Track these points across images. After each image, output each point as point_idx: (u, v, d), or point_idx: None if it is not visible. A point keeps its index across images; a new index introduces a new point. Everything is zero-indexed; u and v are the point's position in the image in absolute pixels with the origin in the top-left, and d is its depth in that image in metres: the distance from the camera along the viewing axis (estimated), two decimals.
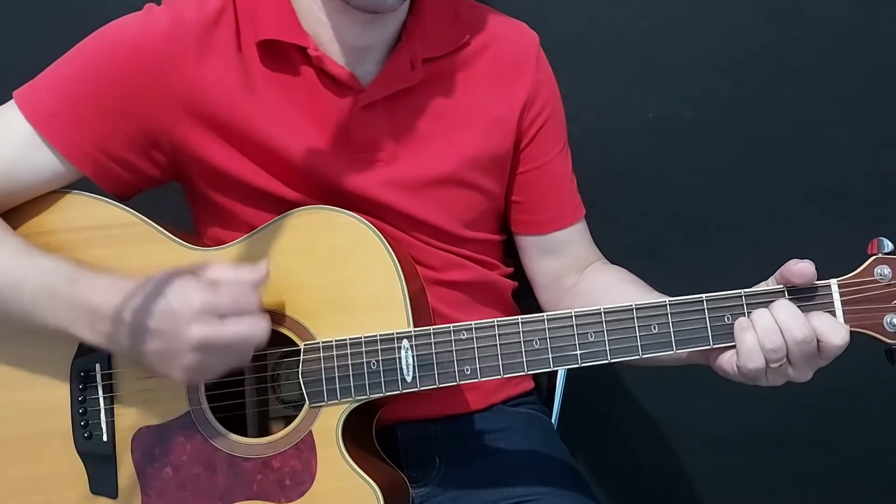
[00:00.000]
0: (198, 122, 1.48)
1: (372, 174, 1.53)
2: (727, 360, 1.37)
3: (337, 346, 1.42)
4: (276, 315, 1.44)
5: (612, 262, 1.74)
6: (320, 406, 1.42)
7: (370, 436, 1.51)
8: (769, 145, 2.13)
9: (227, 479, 1.42)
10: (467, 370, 1.40)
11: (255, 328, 1.32)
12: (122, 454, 1.45)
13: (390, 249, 1.43)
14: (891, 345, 1.36)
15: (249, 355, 1.34)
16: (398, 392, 1.41)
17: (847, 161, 2.14)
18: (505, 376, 1.40)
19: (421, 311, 1.45)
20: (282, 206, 1.50)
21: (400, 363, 1.40)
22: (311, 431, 1.42)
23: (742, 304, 1.36)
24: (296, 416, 1.44)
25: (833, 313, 1.35)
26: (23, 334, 1.44)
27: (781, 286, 1.36)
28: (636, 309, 1.37)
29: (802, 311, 1.32)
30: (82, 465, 1.46)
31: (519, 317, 1.39)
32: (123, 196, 1.55)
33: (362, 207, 1.51)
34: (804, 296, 1.35)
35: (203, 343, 1.29)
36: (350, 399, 1.41)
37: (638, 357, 1.38)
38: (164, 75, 1.46)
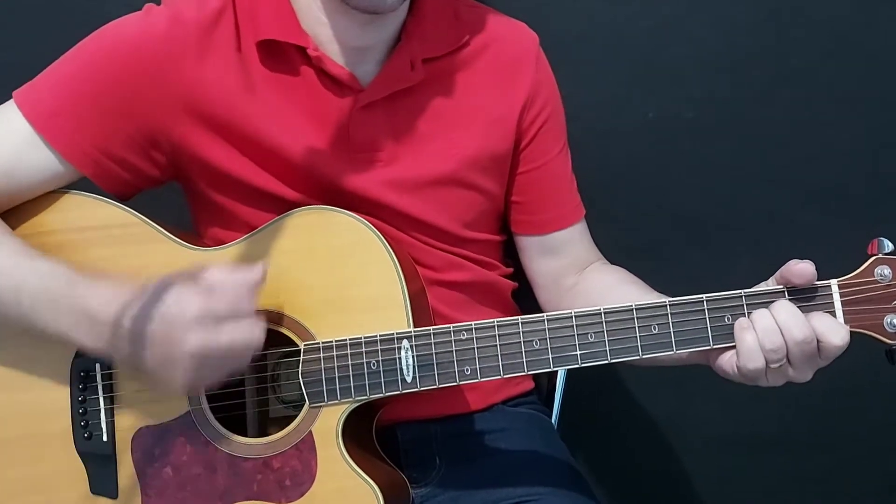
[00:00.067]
0: (197, 122, 1.49)
1: (372, 174, 1.53)
2: (727, 361, 1.37)
3: (337, 346, 1.42)
4: (276, 315, 1.44)
5: (612, 262, 1.74)
6: (320, 406, 1.42)
7: (370, 436, 1.51)
8: (769, 145, 2.13)
9: (227, 479, 1.42)
10: (467, 370, 1.40)
11: (252, 332, 1.31)
12: (122, 454, 1.46)
13: (390, 249, 1.43)
14: (891, 345, 1.36)
15: (248, 359, 1.34)
16: (398, 392, 1.41)
17: (847, 161, 2.14)
18: (505, 376, 1.40)
19: (421, 312, 1.45)
20: (281, 206, 1.50)
21: (400, 363, 1.40)
22: (311, 431, 1.42)
23: (742, 305, 1.36)
24: (296, 417, 1.44)
25: (833, 314, 1.35)
26: (22, 335, 1.43)
27: (781, 286, 1.36)
28: (636, 309, 1.37)
29: (802, 312, 1.32)
30: (82, 465, 1.46)
31: (519, 317, 1.39)
32: (123, 196, 1.55)
33: (362, 207, 1.51)
34: (804, 296, 1.35)
35: (201, 349, 1.29)
36: (350, 399, 1.41)
37: (638, 357, 1.38)
38: (163, 75, 1.46)
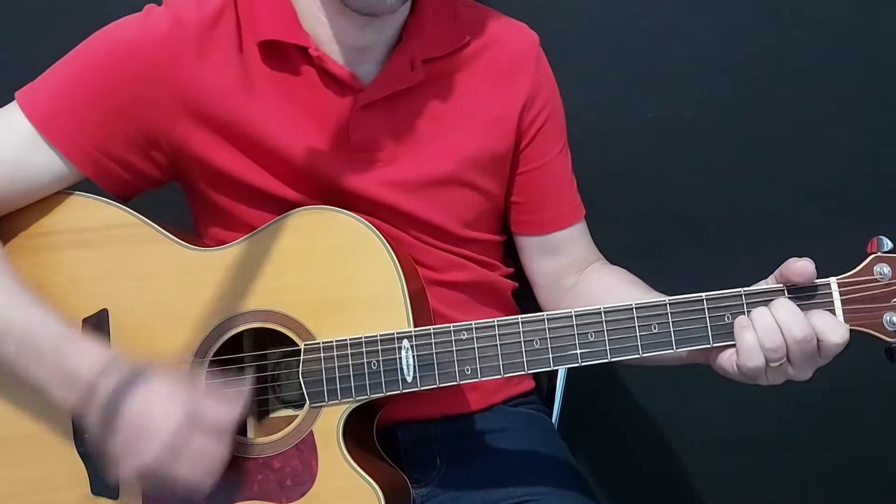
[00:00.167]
0: (198, 123, 1.49)
1: (371, 174, 1.53)
2: (727, 359, 1.37)
3: (337, 346, 1.42)
4: (277, 315, 1.44)
5: (612, 262, 1.74)
6: (321, 406, 1.42)
7: (371, 436, 1.51)
8: (769, 145, 2.13)
9: (227, 478, 1.41)
10: (468, 370, 1.40)
11: (202, 481, 1.33)
12: None
13: (390, 249, 1.43)
14: (891, 343, 1.36)
15: (187, 494, 1.34)
16: (399, 392, 1.41)
17: (847, 161, 2.14)
18: (505, 376, 1.40)
19: (421, 311, 1.45)
20: (282, 207, 1.50)
21: (400, 363, 1.40)
22: (311, 431, 1.42)
23: (742, 303, 1.36)
24: (296, 416, 1.43)
25: (833, 312, 1.35)
26: None
27: (781, 285, 1.36)
28: (636, 308, 1.38)
29: (802, 310, 1.32)
30: (83, 465, 1.45)
31: (519, 316, 1.39)
32: (124, 196, 1.55)
33: (362, 207, 1.51)
34: (804, 294, 1.35)
35: (151, 467, 1.31)
36: (350, 399, 1.41)
37: (638, 356, 1.38)
38: (163, 76, 1.47)
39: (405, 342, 1.40)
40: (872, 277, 1.35)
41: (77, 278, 1.49)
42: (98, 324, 1.46)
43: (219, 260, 1.47)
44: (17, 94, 1.49)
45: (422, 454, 1.61)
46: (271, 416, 1.53)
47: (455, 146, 1.57)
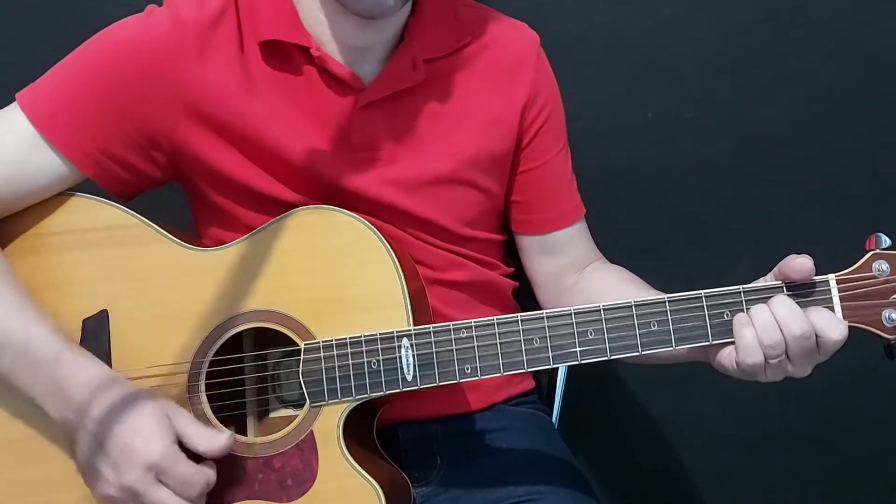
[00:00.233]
0: (198, 123, 1.49)
1: (372, 173, 1.53)
2: (726, 357, 1.37)
3: (337, 345, 1.42)
4: (277, 315, 1.44)
5: (612, 262, 1.74)
6: (321, 405, 1.42)
7: (371, 435, 1.52)
8: (769, 145, 2.13)
9: (228, 478, 1.42)
10: (467, 368, 1.40)
11: None
12: None
13: (390, 249, 1.43)
14: (889, 340, 1.36)
15: None
16: (399, 391, 1.40)
17: (847, 161, 2.14)
18: (505, 374, 1.40)
19: (421, 311, 1.45)
20: (282, 208, 1.50)
21: (400, 362, 1.40)
22: (311, 431, 1.42)
23: (741, 301, 1.36)
24: (296, 416, 1.43)
25: (831, 309, 1.35)
26: None
27: (780, 282, 1.36)
28: (635, 306, 1.38)
29: (801, 307, 1.33)
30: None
31: (519, 315, 1.39)
32: (125, 197, 1.55)
33: (362, 207, 1.51)
34: (803, 291, 1.35)
35: (130, 489, 1.32)
36: (350, 398, 1.41)
37: (637, 354, 1.38)
38: (164, 76, 1.47)
39: (405, 341, 1.40)
40: (871, 274, 1.35)
41: (77, 279, 1.49)
42: (98, 324, 1.46)
43: (219, 260, 1.47)
44: (17, 95, 1.49)
45: (422, 453, 1.61)
46: (271, 416, 1.53)
47: (455, 146, 1.58)
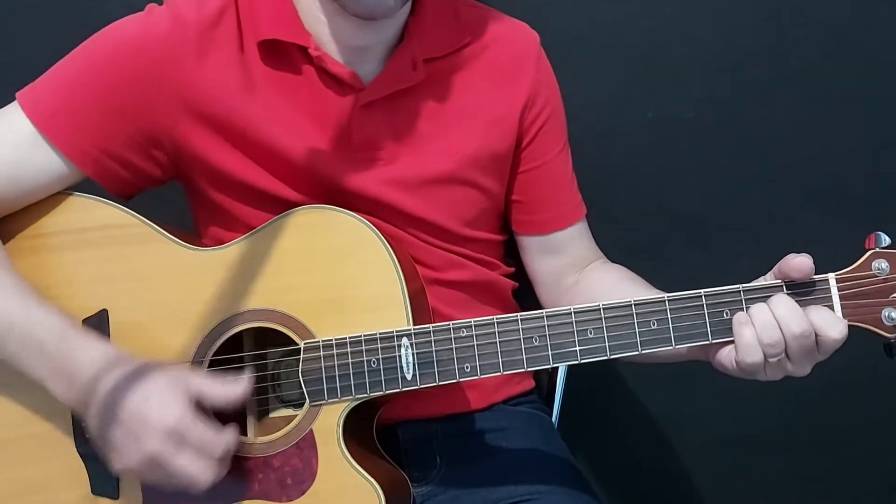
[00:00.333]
0: (198, 122, 1.49)
1: (372, 173, 1.53)
2: (726, 356, 1.37)
3: (337, 344, 1.42)
4: (277, 314, 1.44)
5: (613, 262, 1.74)
6: (321, 405, 1.42)
7: (371, 434, 1.52)
8: (769, 145, 2.13)
9: (227, 478, 1.41)
10: (467, 367, 1.40)
11: (203, 473, 1.32)
12: None
13: (390, 249, 1.43)
14: (889, 339, 1.36)
15: (187, 487, 1.34)
16: (398, 390, 1.40)
17: (847, 161, 2.14)
18: (505, 373, 1.40)
19: (421, 311, 1.45)
20: (282, 206, 1.50)
21: (400, 361, 1.40)
22: (311, 430, 1.42)
23: (740, 300, 1.36)
24: (296, 415, 1.43)
25: (831, 308, 1.35)
26: None
27: (779, 281, 1.36)
28: (635, 305, 1.38)
29: (801, 306, 1.33)
30: (83, 465, 1.45)
31: (518, 314, 1.39)
32: (125, 196, 1.55)
33: (362, 206, 1.51)
34: (802, 290, 1.35)
35: (153, 458, 1.31)
36: (350, 397, 1.41)
37: (637, 353, 1.38)
38: (164, 75, 1.47)
39: (405, 340, 1.40)
40: (871, 273, 1.35)
41: (77, 279, 1.49)
42: (98, 324, 1.46)
43: (218, 260, 1.47)
44: (18, 94, 1.49)
45: (422, 453, 1.61)
46: (271, 415, 1.53)
47: (455, 145, 1.58)
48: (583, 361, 1.38)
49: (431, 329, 1.40)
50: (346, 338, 1.41)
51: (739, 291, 1.36)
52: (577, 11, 2.06)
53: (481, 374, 1.40)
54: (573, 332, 1.38)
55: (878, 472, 2.34)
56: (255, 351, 1.51)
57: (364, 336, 1.41)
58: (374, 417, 1.52)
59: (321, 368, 1.42)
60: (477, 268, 1.65)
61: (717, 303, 1.36)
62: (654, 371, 1.68)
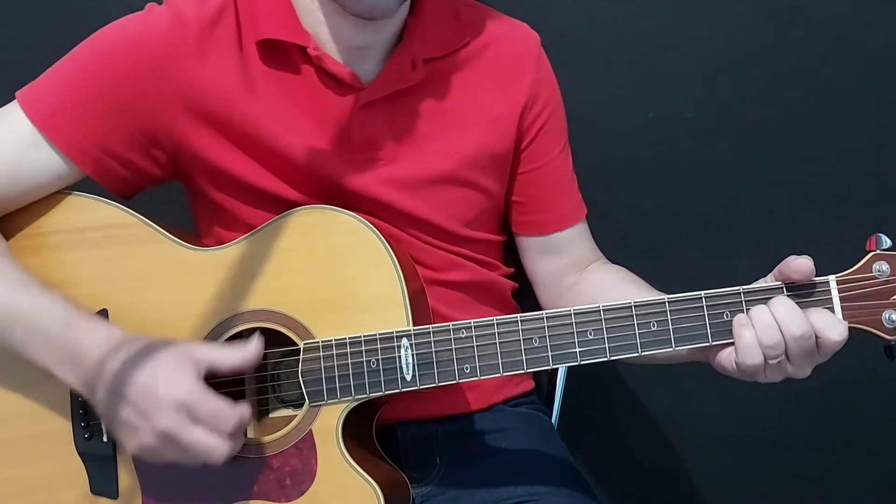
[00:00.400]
0: (198, 121, 1.49)
1: (372, 173, 1.53)
2: (726, 357, 1.37)
3: (336, 345, 1.42)
4: (276, 315, 1.44)
5: (613, 262, 1.73)
6: (320, 405, 1.42)
7: (370, 435, 1.51)
8: (769, 145, 2.13)
9: (226, 478, 1.42)
10: (467, 368, 1.40)
11: (215, 449, 1.31)
12: (122, 454, 1.45)
13: (390, 249, 1.43)
14: (889, 341, 1.36)
15: (199, 463, 1.33)
16: (398, 391, 1.40)
17: (847, 161, 2.14)
18: (504, 374, 1.40)
19: (421, 312, 1.45)
20: (282, 206, 1.50)
21: (399, 362, 1.40)
22: (311, 430, 1.42)
23: (741, 301, 1.36)
24: (296, 416, 1.43)
25: (832, 310, 1.35)
26: None
27: (780, 283, 1.36)
28: (635, 306, 1.38)
29: (801, 308, 1.33)
30: (83, 465, 1.46)
31: (518, 315, 1.39)
32: (125, 195, 1.55)
33: (362, 206, 1.51)
34: (803, 292, 1.35)
35: (166, 434, 1.30)
36: (350, 398, 1.41)
37: (637, 354, 1.38)
38: (164, 74, 1.47)
39: (404, 341, 1.40)
40: (871, 275, 1.35)
41: (76, 278, 1.49)
42: None
43: (218, 260, 1.47)
44: (17, 93, 1.49)
45: (422, 454, 1.61)
46: (271, 415, 1.53)
47: (455, 145, 1.58)
48: (583, 363, 1.38)
49: (431, 330, 1.40)
50: (345, 338, 1.41)
51: (739, 293, 1.36)
52: (577, 11, 2.06)
53: (481, 375, 1.40)
54: (573, 333, 1.38)
55: (878, 472, 2.35)
56: None
57: (364, 337, 1.41)
58: (373, 418, 1.52)
59: (321, 369, 1.42)
60: (477, 268, 1.65)
61: (718, 304, 1.36)
62: (653, 371, 1.68)
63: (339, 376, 1.41)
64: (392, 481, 1.46)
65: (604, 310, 1.38)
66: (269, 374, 1.52)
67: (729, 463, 2.34)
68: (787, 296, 1.35)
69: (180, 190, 1.63)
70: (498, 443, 1.64)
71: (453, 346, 1.40)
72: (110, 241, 1.49)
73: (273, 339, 1.46)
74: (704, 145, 2.12)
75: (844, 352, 1.33)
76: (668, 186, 2.15)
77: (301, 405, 1.43)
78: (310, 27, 1.51)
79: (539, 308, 1.71)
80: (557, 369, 1.83)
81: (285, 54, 1.51)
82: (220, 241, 1.52)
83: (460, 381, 1.40)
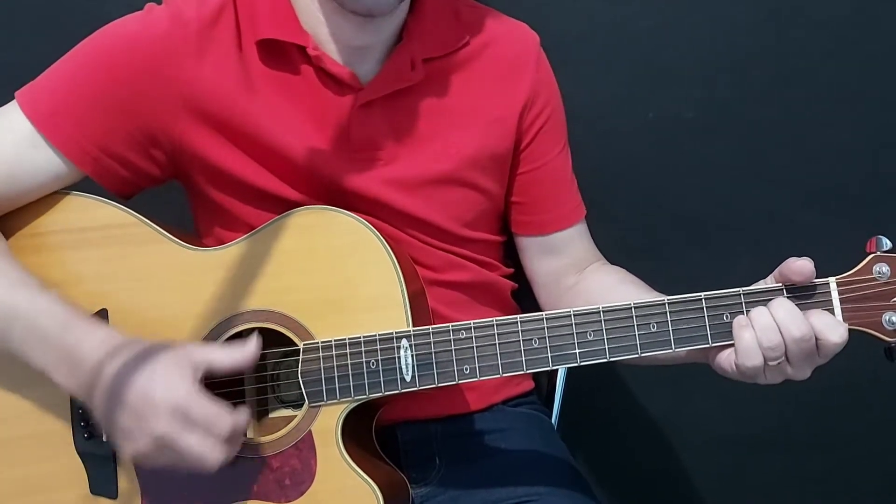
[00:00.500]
0: (197, 121, 1.49)
1: (372, 173, 1.53)
2: (726, 359, 1.37)
3: (336, 345, 1.42)
4: (276, 315, 1.44)
5: (612, 262, 1.73)
6: (320, 406, 1.42)
7: (370, 435, 1.51)
8: (769, 145, 2.13)
9: (226, 478, 1.42)
10: (466, 369, 1.40)
11: (209, 455, 1.30)
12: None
13: (389, 250, 1.43)
14: (890, 343, 1.36)
15: (195, 469, 1.32)
16: (397, 391, 1.40)
17: (847, 161, 2.14)
18: (504, 375, 1.40)
19: (420, 312, 1.45)
20: (282, 206, 1.50)
21: (399, 363, 1.40)
22: (310, 431, 1.42)
23: (741, 303, 1.36)
24: (295, 416, 1.43)
25: (832, 311, 1.35)
26: None
27: (780, 284, 1.36)
28: (635, 308, 1.38)
29: (801, 310, 1.33)
30: (82, 465, 1.46)
31: (518, 316, 1.39)
32: (124, 195, 1.55)
33: (362, 206, 1.51)
34: (803, 294, 1.35)
35: (160, 439, 1.30)
36: (349, 399, 1.41)
37: (637, 356, 1.38)
38: (163, 73, 1.47)
39: (404, 342, 1.40)
40: (871, 277, 1.35)
41: (76, 278, 1.49)
42: None
43: (218, 260, 1.47)
44: (17, 93, 1.49)
45: (421, 454, 1.61)
46: (271, 416, 1.54)
47: (455, 145, 1.57)
48: (582, 364, 1.38)
49: (431, 331, 1.40)
50: (345, 339, 1.41)
51: (739, 294, 1.36)
52: (577, 11, 2.06)
53: (480, 376, 1.40)
54: (573, 334, 1.38)
55: (878, 472, 2.35)
56: None
57: (363, 337, 1.41)
58: (373, 418, 1.52)
59: (320, 369, 1.42)
60: (476, 269, 1.64)
61: (717, 306, 1.36)
62: (653, 372, 1.68)
63: (338, 377, 1.41)
64: (391, 482, 1.46)
65: (603, 311, 1.38)
66: (268, 375, 1.52)
67: (729, 463, 2.34)
68: (787, 297, 1.35)
69: (180, 190, 1.63)
70: (498, 443, 1.64)
71: (453, 347, 1.40)
72: (110, 241, 1.49)
73: (273, 339, 1.46)
74: (704, 145, 2.12)
75: (844, 353, 1.33)
76: (668, 186, 2.15)
77: (301, 405, 1.43)
78: (309, 27, 1.51)
79: (538, 308, 1.71)
80: (557, 370, 1.82)
81: (285, 54, 1.51)
82: (220, 242, 1.52)
83: (460, 381, 1.40)
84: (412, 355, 1.40)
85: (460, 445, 1.62)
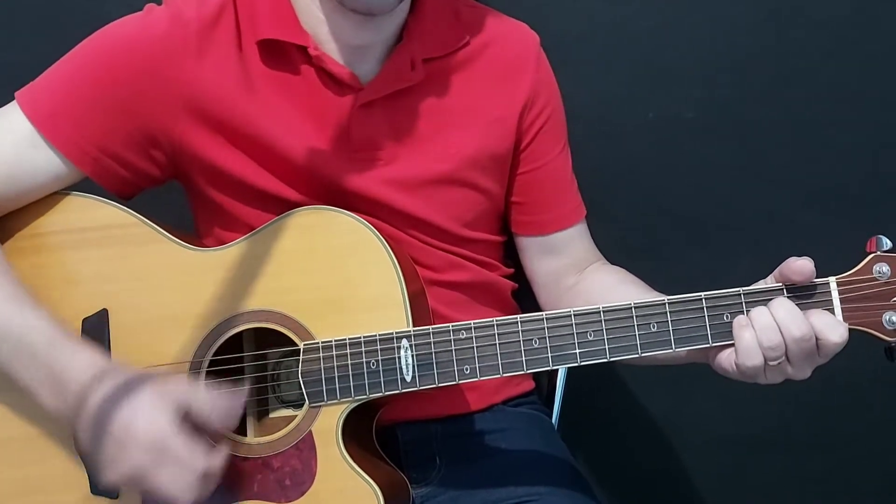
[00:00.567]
0: (197, 121, 1.49)
1: (372, 173, 1.53)
2: (726, 359, 1.37)
3: (336, 346, 1.42)
4: (276, 315, 1.44)
5: (612, 263, 1.73)
6: (320, 406, 1.42)
7: (370, 436, 1.51)
8: (769, 145, 2.13)
9: (227, 478, 1.41)
10: (466, 369, 1.40)
11: (182, 493, 1.30)
12: None
13: (389, 250, 1.43)
14: (890, 342, 1.36)
15: (168, 502, 1.32)
16: (398, 392, 1.40)
17: (847, 161, 2.14)
18: (504, 375, 1.40)
19: (421, 312, 1.45)
20: (282, 206, 1.50)
21: (399, 363, 1.40)
22: (310, 431, 1.42)
23: (741, 303, 1.36)
24: (296, 416, 1.43)
25: (832, 311, 1.35)
26: None
27: (780, 284, 1.36)
28: (635, 308, 1.37)
29: (801, 309, 1.33)
30: (82, 466, 1.45)
31: (518, 316, 1.39)
32: (124, 195, 1.55)
33: (362, 206, 1.51)
34: (803, 294, 1.35)
35: (133, 472, 1.30)
36: (350, 399, 1.41)
37: (637, 356, 1.38)
38: (163, 74, 1.47)
39: (404, 342, 1.40)
40: (871, 276, 1.35)
41: (76, 278, 1.49)
42: (98, 324, 1.46)
43: (218, 260, 1.47)
44: (17, 93, 1.49)
45: (421, 454, 1.61)
46: (271, 416, 1.54)
47: (455, 145, 1.57)
48: (582, 364, 1.38)
49: (431, 331, 1.40)
50: (345, 339, 1.41)
51: (740, 294, 1.36)
52: (577, 11, 2.06)
53: (481, 376, 1.40)
54: (573, 334, 1.38)
55: (878, 472, 2.34)
56: (254, 351, 1.51)
57: (363, 337, 1.41)
58: (373, 418, 1.52)
59: (320, 370, 1.42)
60: (476, 269, 1.64)
61: (718, 306, 1.36)
62: (653, 372, 1.68)
63: (338, 377, 1.41)
64: (392, 482, 1.46)
65: (604, 311, 1.38)
66: (268, 375, 1.52)
67: (729, 463, 2.33)
68: (788, 297, 1.35)
69: (180, 190, 1.63)
70: (498, 443, 1.64)
71: (453, 347, 1.40)
72: (110, 241, 1.49)
73: (273, 339, 1.47)
74: (704, 145, 2.12)
75: (844, 353, 1.33)
76: (668, 186, 2.15)
77: (301, 405, 1.43)
78: (309, 27, 1.51)
79: (538, 308, 1.71)
80: (557, 369, 1.82)
81: (285, 54, 1.51)
82: (221, 242, 1.52)
83: (460, 381, 1.40)
84: (412, 355, 1.40)
85: (461, 445, 1.62)
